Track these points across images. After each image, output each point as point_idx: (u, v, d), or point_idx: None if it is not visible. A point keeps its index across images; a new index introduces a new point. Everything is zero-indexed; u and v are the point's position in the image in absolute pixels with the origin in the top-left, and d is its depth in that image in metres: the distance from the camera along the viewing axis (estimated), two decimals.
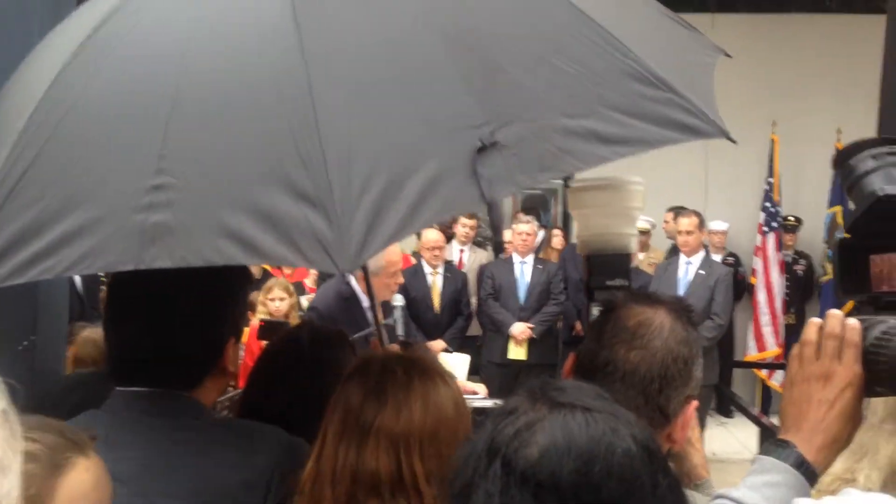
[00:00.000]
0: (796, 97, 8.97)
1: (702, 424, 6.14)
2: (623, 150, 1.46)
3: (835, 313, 1.19)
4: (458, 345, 6.71)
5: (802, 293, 9.33)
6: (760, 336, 9.04)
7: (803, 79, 9.02)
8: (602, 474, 0.87)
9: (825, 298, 8.73)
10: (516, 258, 7.26)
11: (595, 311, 1.56)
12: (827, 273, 8.92)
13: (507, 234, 7.77)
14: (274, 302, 5.93)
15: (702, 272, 6.78)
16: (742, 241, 9.27)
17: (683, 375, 1.38)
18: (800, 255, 9.38)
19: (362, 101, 1.40)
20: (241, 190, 1.36)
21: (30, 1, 2.31)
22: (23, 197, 1.45)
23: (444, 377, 1.46)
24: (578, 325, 7.56)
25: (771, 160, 9.12)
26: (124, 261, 1.36)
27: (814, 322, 1.21)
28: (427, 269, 6.97)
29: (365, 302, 4.12)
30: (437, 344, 6.63)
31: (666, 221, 8.56)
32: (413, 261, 7.23)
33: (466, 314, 7.15)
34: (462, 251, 8.11)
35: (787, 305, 9.13)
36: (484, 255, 8.31)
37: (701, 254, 6.96)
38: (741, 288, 8.89)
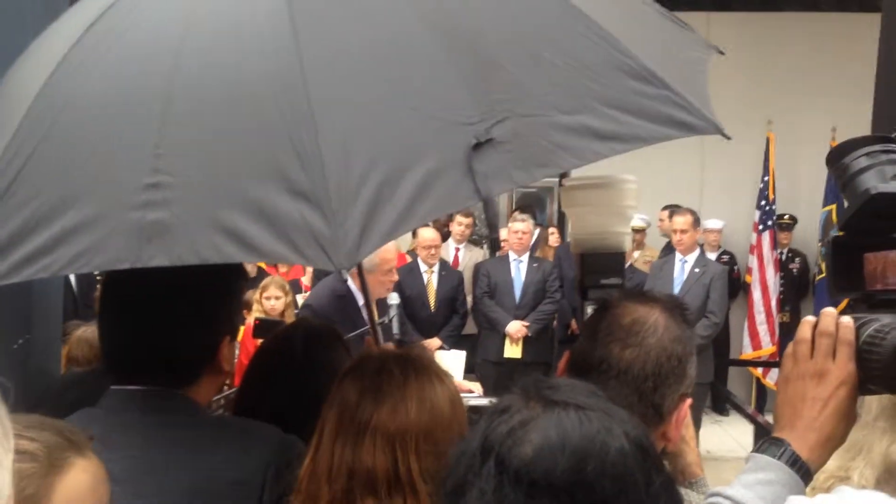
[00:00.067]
0: (791, 95, 8.97)
1: (697, 422, 6.17)
2: (618, 146, 1.46)
3: (828, 311, 1.19)
4: (453, 343, 6.71)
5: (797, 291, 9.33)
6: (755, 334, 9.05)
7: (798, 77, 9.01)
8: (596, 473, 0.87)
9: (820, 296, 8.73)
10: (512, 256, 7.26)
11: (589, 309, 1.56)
12: (822, 271, 8.92)
13: (502, 233, 7.78)
14: (269, 300, 5.93)
15: (697, 270, 6.80)
16: (737, 240, 9.27)
17: (678, 373, 1.38)
18: (795, 253, 9.39)
19: (358, 99, 1.40)
20: (238, 188, 1.36)
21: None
22: (18, 196, 1.44)
23: (440, 375, 1.46)
24: (574, 324, 7.56)
25: (766, 158, 9.13)
26: (121, 259, 1.36)
27: (808, 320, 1.21)
28: (423, 267, 6.98)
29: (360, 300, 4.12)
30: (433, 342, 6.65)
31: (661, 220, 8.56)
32: (408, 259, 7.23)
33: (462, 312, 7.15)
34: (458, 249, 8.10)
35: (782, 303, 9.14)
36: (479, 254, 8.30)
37: (696, 252, 6.97)
38: (736, 286, 8.91)
